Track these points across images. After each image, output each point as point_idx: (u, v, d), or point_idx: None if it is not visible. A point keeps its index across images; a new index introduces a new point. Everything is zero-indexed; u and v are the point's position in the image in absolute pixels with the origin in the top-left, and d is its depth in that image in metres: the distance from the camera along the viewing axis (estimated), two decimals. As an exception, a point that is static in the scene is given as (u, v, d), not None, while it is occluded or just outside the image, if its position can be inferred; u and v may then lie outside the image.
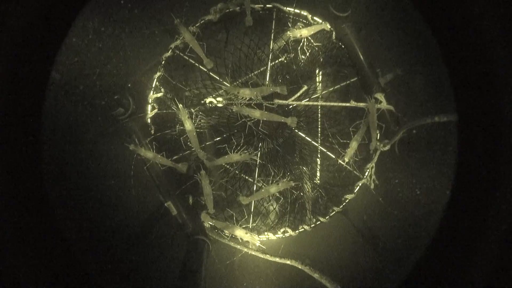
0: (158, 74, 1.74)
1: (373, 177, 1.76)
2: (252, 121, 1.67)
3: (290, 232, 1.74)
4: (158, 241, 1.91)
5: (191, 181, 1.69)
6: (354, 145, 1.67)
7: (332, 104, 1.78)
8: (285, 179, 1.67)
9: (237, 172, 1.81)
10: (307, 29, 1.71)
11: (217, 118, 1.80)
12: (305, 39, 1.74)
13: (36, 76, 1.10)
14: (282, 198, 1.82)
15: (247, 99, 1.65)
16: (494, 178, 1.01)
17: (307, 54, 1.79)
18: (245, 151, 1.66)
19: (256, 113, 1.62)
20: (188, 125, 1.61)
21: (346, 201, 1.76)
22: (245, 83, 1.77)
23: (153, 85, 1.74)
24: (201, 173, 1.64)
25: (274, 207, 1.84)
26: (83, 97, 1.84)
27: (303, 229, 1.75)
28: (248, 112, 1.62)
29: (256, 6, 1.72)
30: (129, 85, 1.82)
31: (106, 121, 1.85)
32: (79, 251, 1.32)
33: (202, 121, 1.74)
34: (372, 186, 1.77)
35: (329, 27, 1.75)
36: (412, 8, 1.28)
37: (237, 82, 1.80)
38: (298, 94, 1.75)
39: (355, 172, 1.76)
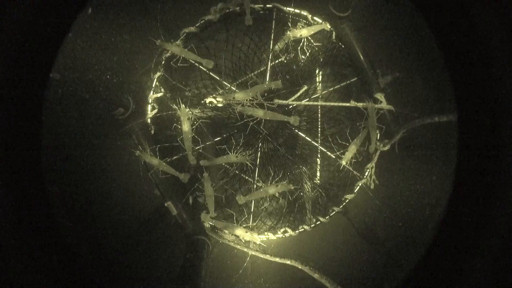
0: (158, 74, 1.74)
1: (373, 177, 1.76)
2: (255, 120, 1.67)
3: (290, 232, 1.74)
4: (158, 241, 1.91)
5: (194, 186, 1.70)
6: (352, 149, 1.68)
7: (332, 104, 1.78)
8: (285, 181, 1.67)
9: (237, 172, 1.81)
10: (307, 29, 1.71)
11: (219, 114, 1.80)
12: (305, 39, 1.74)
13: (36, 76, 1.10)
14: (281, 199, 1.82)
15: (247, 100, 1.65)
16: (494, 178, 1.01)
17: (307, 54, 1.79)
18: (243, 153, 1.66)
19: (259, 113, 1.62)
20: (185, 127, 1.61)
21: (346, 201, 1.76)
22: (244, 84, 1.77)
23: (153, 85, 1.74)
24: (204, 175, 1.64)
25: (280, 204, 1.84)
26: (83, 97, 1.84)
27: (303, 229, 1.75)
28: (251, 112, 1.62)
29: (256, 6, 1.72)
30: (129, 85, 1.82)
31: (106, 121, 1.85)
32: (78, 251, 1.31)
33: (205, 111, 1.73)
34: (372, 186, 1.77)
35: (329, 27, 1.74)
36: (413, 7, 1.28)
37: (235, 83, 1.79)
38: (298, 94, 1.75)
39: (354, 172, 1.76)
